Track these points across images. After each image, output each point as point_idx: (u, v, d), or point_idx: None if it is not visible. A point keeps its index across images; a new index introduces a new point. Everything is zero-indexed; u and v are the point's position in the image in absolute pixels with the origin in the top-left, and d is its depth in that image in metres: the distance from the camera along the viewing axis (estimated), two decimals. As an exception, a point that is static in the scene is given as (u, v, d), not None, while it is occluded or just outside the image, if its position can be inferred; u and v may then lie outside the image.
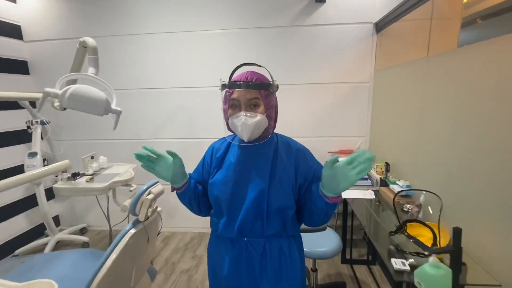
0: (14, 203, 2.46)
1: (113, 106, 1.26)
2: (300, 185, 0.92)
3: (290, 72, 2.44)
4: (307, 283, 1.94)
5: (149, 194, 1.21)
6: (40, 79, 2.67)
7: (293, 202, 0.91)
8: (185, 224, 2.83)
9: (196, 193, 0.95)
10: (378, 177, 1.96)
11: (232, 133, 0.95)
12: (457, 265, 0.84)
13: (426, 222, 1.20)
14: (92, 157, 2.05)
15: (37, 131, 2.33)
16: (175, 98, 2.60)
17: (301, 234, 1.04)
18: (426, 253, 1.02)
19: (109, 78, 1.73)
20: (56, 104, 1.42)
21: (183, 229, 2.85)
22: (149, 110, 2.64)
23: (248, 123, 0.83)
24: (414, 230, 1.23)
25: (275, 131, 0.98)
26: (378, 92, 2.31)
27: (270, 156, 0.91)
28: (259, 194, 0.88)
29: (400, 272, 1.04)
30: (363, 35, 2.31)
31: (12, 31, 2.53)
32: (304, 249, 1.62)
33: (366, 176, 2.00)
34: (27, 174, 1.62)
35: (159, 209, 1.38)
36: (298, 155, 0.94)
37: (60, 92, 1.09)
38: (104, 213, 1.97)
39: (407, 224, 1.24)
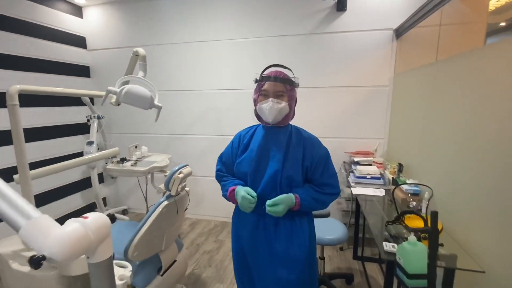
0: (72, 184, 2.96)
1: (156, 102, 1.57)
2: (307, 167, 1.13)
3: (311, 75, 2.61)
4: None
5: (180, 173, 1.48)
6: (99, 81, 3.19)
7: (301, 179, 1.13)
8: (210, 213, 3.13)
9: None
10: (390, 176, 2.03)
11: (258, 122, 1.21)
12: (433, 243, 0.96)
13: (422, 214, 1.30)
14: (136, 147, 2.43)
15: (94, 124, 2.80)
16: (205, 99, 2.92)
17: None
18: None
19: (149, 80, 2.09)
20: (113, 100, 1.77)
21: (208, 217, 3.15)
22: (182, 109, 2.99)
23: (275, 107, 1.07)
24: (412, 222, 1.34)
25: (291, 123, 1.20)
26: (397, 96, 2.37)
27: (284, 143, 1.14)
28: (275, 172, 1.10)
29: (390, 253, 1.17)
30: (383, 41, 2.40)
31: (79, 41, 3.07)
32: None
33: (379, 176, 2.08)
34: (87, 157, 2.01)
35: (187, 188, 1.65)
36: (306, 142, 1.15)
37: (118, 90, 1.42)
38: (143, 194, 2.32)
39: (405, 216, 1.35)
